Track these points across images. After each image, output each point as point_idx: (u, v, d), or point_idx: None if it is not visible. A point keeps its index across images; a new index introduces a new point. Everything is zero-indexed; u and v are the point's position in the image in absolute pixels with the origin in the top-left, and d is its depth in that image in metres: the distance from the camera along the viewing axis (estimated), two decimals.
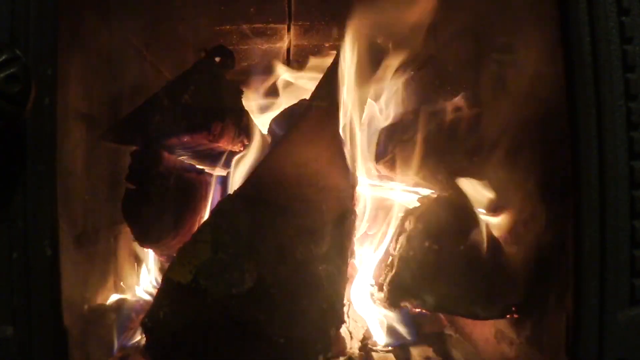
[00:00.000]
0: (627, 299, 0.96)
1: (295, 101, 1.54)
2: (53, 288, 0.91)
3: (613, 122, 0.95)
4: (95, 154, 1.37)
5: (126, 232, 1.53)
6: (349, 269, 1.25)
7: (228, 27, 1.89)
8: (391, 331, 1.39)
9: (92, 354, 1.23)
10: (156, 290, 1.19)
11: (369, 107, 1.46)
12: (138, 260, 1.71)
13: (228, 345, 1.11)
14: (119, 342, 1.38)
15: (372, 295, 1.36)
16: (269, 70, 1.69)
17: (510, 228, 1.27)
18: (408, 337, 1.39)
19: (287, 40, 1.98)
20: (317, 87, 1.36)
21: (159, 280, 1.46)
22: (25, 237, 0.88)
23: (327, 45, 1.98)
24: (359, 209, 1.40)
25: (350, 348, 1.33)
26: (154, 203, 1.42)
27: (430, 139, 1.36)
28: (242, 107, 1.61)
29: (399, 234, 1.31)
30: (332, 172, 1.23)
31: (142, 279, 1.69)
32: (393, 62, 1.43)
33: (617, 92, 0.95)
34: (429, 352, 1.37)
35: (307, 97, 1.41)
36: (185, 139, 1.46)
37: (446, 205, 1.28)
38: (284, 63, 2.01)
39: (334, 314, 1.15)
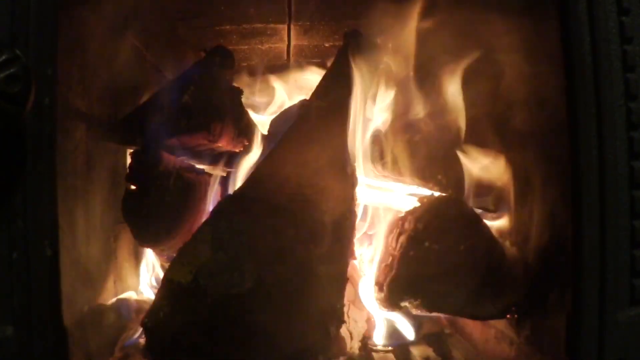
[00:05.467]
0: (627, 299, 0.96)
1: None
2: (53, 288, 0.91)
3: (613, 122, 0.95)
4: (95, 154, 1.37)
5: (126, 232, 1.53)
6: (349, 269, 1.25)
7: (228, 27, 1.89)
8: (391, 331, 1.39)
9: (92, 354, 1.23)
10: (156, 290, 1.19)
11: (369, 107, 1.46)
12: (138, 260, 1.71)
13: (228, 345, 1.11)
14: (119, 342, 1.38)
15: (372, 295, 1.35)
16: None
17: (510, 228, 1.27)
18: (408, 337, 1.39)
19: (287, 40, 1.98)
20: (318, 87, 1.36)
21: (159, 280, 1.46)
22: (25, 237, 0.88)
23: (327, 45, 1.98)
24: (359, 209, 1.40)
25: (350, 348, 1.33)
26: (154, 203, 1.42)
27: (430, 139, 1.36)
28: (242, 107, 1.61)
29: (399, 234, 1.31)
30: (332, 172, 1.23)
31: (142, 279, 1.69)
32: (393, 61, 1.43)
33: (617, 92, 0.95)
34: (429, 352, 1.37)
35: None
36: (185, 139, 1.46)
37: (446, 205, 1.28)
38: (284, 63, 2.02)
39: (334, 314, 1.15)
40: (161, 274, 1.52)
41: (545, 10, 1.05)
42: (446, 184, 1.33)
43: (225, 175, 1.67)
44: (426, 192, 1.38)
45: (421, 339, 1.42)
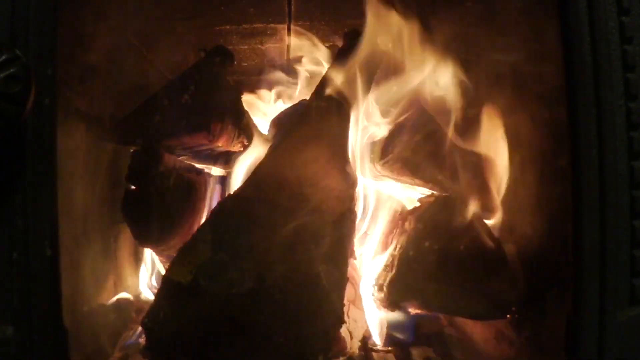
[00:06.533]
0: (627, 299, 0.96)
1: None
2: (53, 288, 0.91)
3: (613, 122, 0.95)
4: (95, 154, 1.37)
5: (126, 232, 1.53)
6: (349, 269, 1.25)
7: (228, 27, 1.89)
8: (391, 331, 1.38)
9: (92, 354, 1.23)
10: (156, 290, 1.19)
11: (369, 107, 1.46)
12: (138, 260, 1.71)
13: (228, 345, 1.11)
14: (119, 342, 1.38)
15: (372, 295, 1.36)
16: None
17: (510, 228, 1.27)
18: (408, 337, 1.39)
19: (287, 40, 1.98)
20: (318, 87, 1.37)
21: (159, 280, 1.46)
22: (25, 237, 0.87)
23: (327, 45, 1.98)
24: (359, 209, 1.40)
25: (350, 348, 1.33)
26: (154, 203, 1.42)
27: (430, 139, 1.36)
28: (242, 107, 1.61)
29: (399, 234, 1.31)
30: (332, 172, 1.23)
31: (142, 279, 1.69)
32: (394, 61, 1.43)
33: (617, 92, 0.95)
34: (429, 352, 1.37)
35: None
36: (185, 139, 1.46)
37: (446, 205, 1.28)
38: (284, 63, 2.02)
39: (334, 314, 1.15)
40: (161, 274, 1.52)
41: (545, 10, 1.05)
42: (446, 184, 1.33)
43: (225, 175, 1.67)
44: (426, 192, 1.38)
45: (421, 339, 1.42)
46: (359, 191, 1.41)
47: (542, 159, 1.16)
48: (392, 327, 1.38)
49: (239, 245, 1.14)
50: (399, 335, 1.39)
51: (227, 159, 1.59)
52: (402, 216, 1.38)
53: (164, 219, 1.44)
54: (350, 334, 1.36)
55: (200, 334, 1.10)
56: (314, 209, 1.19)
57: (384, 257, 1.35)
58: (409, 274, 1.23)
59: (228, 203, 1.21)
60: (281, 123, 1.53)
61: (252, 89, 1.84)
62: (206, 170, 1.66)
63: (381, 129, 1.45)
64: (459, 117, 1.35)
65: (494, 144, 1.30)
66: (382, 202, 1.51)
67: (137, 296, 1.61)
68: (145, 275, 1.69)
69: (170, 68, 1.82)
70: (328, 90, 1.31)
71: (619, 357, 0.95)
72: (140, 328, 1.27)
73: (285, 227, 1.16)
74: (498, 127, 1.29)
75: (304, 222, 1.17)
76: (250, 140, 1.58)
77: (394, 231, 1.36)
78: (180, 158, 1.56)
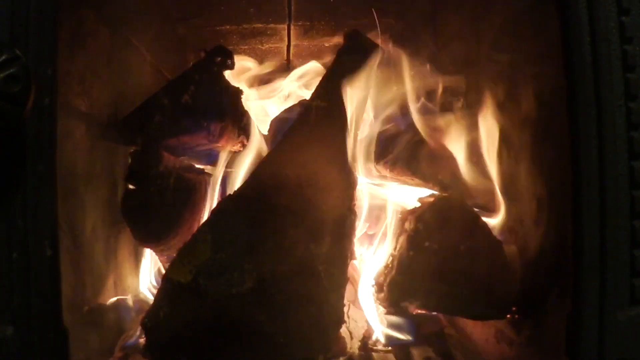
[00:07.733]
0: (627, 299, 0.96)
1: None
2: (53, 288, 0.91)
3: (613, 122, 0.95)
4: (95, 154, 1.37)
5: (126, 232, 1.53)
6: (349, 269, 1.25)
7: (228, 27, 1.89)
8: (391, 331, 1.38)
9: (92, 354, 1.23)
10: (156, 290, 1.19)
11: (369, 107, 1.46)
12: (138, 260, 1.71)
13: (228, 345, 1.11)
14: (119, 342, 1.38)
15: (372, 295, 1.36)
16: None
17: (510, 228, 1.27)
18: (408, 337, 1.39)
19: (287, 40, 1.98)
20: (318, 87, 1.36)
21: (159, 280, 1.46)
22: (25, 237, 0.88)
23: (327, 45, 1.98)
24: (359, 209, 1.40)
25: (350, 348, 1.33)
26: (154, 203, 1.42)
27: (430, 139, 1.36)
28: (242, 107, 1.61)
29: (399, 234, 1.31)
30: (332, 172, 1.23)
31: (142, 279, 1.69)
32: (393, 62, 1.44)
33: (617, 92, 0.95)
34: (429, 352, 1.37)
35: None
36: (185, 139, 1.46)
37: (446, 205, 1.28)
38: (284, 63, 2.02)
39: (334, 314, 1.15)
40: (161, 274, 1.52)
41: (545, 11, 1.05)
42: (446, 184, 1.33)
43: (225, 175, 1.67)
44: (426, 192, 1.38)
45: (421, 339, 1.42)
46: (359, 191, 1.41)
47: (542, 159, 1.16)
48: (392, 327, 1.39)
49: (239, 245, 1.14)
50: (399, 335, 1.39)
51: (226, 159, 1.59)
52: (402, 216, 1.38)
53: (164, 219, 1.44)
54: (350, 334, 1.36)
55: (200, 334, 1.10)
56: (314, 209, 1.19)
57: (384, 257, 1.35)
58: (409, 274, 1.23)
59: (228, 203, 1.21)
60: (281, 123, 1.53)
61: None
62: (206, 170, 1.66)
63: (381, 129, 1.45)
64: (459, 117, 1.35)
65: (495, 146, 1.30)
66: (382, 202, 1.51)
67: (137, 296, 1.61)
68: (146, 276, 1.69)
69: (170, 68, 1.82)
70: (328, 90, 1.31)
71: (619, 357, 0.95)
72: (140, 328, 1.27)
73: (285, 227, 1.16)
74: (498, 128, 1.29)
75: (304, 222, 1.17)
76: (250, 140, 1.58)
77: (394, 231, 1.36)
78: (180, 158, 1.56)
